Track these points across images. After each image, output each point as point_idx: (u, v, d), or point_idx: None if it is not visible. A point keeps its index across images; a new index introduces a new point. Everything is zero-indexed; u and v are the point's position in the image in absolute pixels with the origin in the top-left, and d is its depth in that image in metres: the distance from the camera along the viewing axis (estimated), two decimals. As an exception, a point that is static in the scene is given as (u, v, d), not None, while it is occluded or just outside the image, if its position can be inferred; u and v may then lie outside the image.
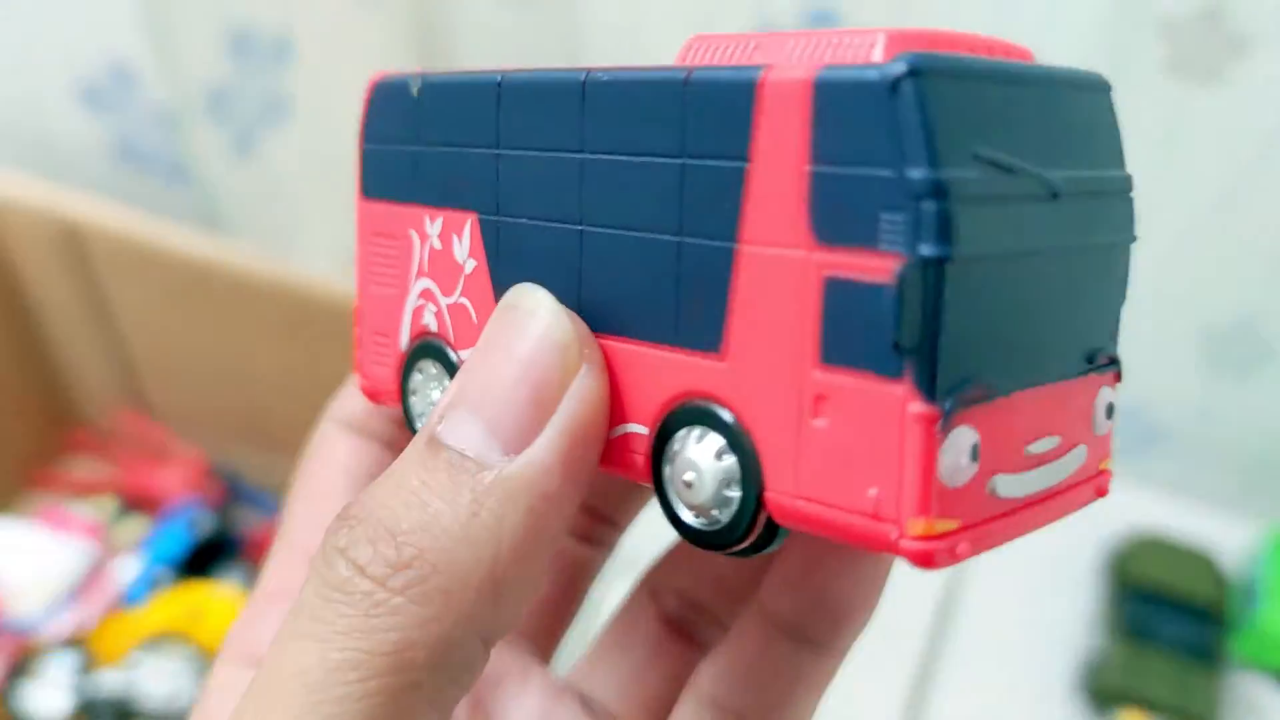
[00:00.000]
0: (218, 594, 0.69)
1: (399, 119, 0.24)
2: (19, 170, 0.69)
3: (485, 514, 0.19)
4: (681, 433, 0.20)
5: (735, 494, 0.19)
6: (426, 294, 0.24)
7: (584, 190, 0.21)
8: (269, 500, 0.77)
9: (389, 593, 0.19)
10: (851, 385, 0.17)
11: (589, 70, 0.21)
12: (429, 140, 0.23)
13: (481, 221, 0.23)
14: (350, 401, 0.28)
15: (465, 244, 0.23)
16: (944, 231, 0.16)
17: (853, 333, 0.17)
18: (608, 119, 0.20)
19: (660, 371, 0.20)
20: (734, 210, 0.19)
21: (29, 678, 0.64)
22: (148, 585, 0.71)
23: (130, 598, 0.70)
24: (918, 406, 0.17)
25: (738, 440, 0.19)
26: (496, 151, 0.22)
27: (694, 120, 0.19)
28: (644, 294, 0.20)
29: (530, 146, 0.22)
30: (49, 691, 0.64)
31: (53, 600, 0.68)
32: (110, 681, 0.64)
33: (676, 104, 0.19)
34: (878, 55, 0.18)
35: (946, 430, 0.17)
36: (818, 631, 0.24)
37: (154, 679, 0.64)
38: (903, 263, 0.17)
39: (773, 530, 0.19)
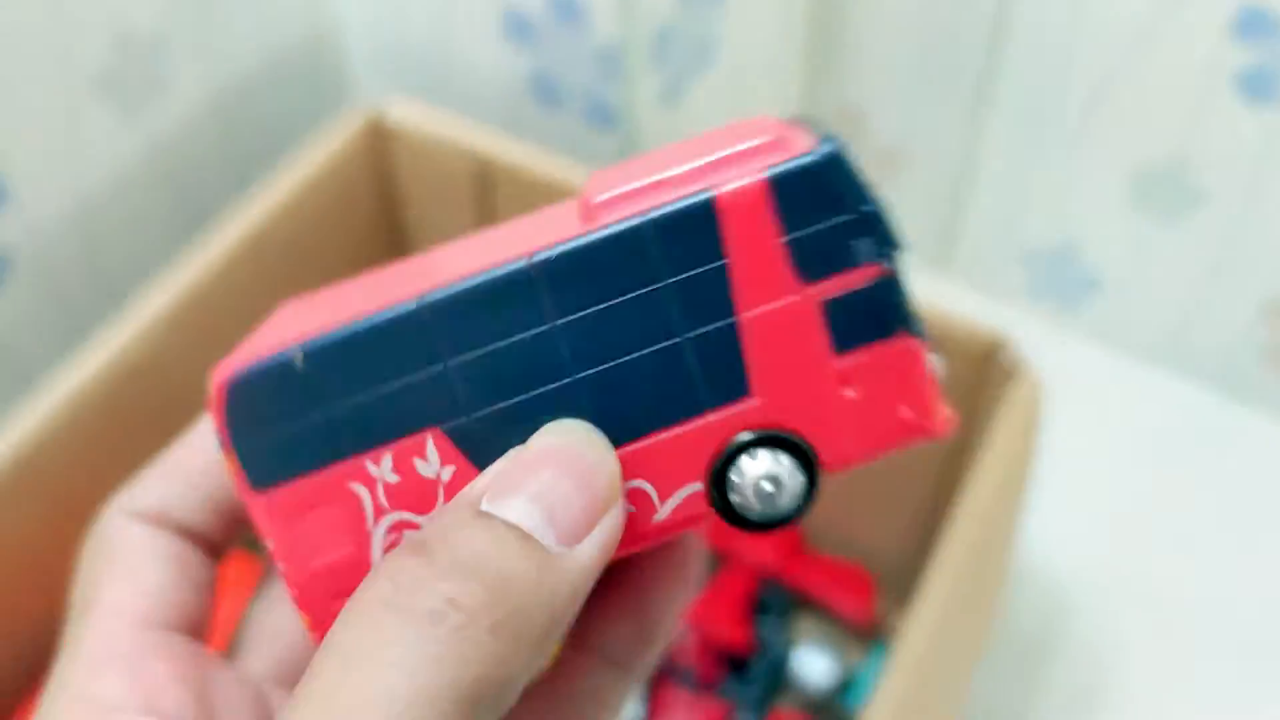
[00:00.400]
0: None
1: (281, 399, 0.23)
2: (428, 101, 0.68)
3: (547, 584, 0.21)
4: (735, 466, 0.23)
5: (801, 477, 0.23)
6: (398, 526, 0.24)
7: (563, 350, 0.23)
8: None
9: (478, 629, 0.20)
10: (869, 355, 0.23)
11: (527, 256, 0.22)
12: (339, 397, 0.23)
13: (448, 430, 0.23)
14: (146, 494, 0.26)
15: (433, 459, 0.23)
16: (892, 236, 0.23)
17: (855, 324, 0.23)
18: (569, 286, 0.23)
19: (694, 438, 0.23)
20: (725, 295, 0.23)
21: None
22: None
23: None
24: (918, 344, 0.23)
25: (783, 439, 0.23)
26: (443, 366, 0.23)
27: (661, 250, 0.22)
28: (656, 393, 0.23)
29: (482, 345, 0.23)
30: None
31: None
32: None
33: (638, 246, 0.22)
34: (769, 149, 0.23)
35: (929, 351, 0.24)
36: (634, 655, 0.28)
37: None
38: (884, 263, 0.23)
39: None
